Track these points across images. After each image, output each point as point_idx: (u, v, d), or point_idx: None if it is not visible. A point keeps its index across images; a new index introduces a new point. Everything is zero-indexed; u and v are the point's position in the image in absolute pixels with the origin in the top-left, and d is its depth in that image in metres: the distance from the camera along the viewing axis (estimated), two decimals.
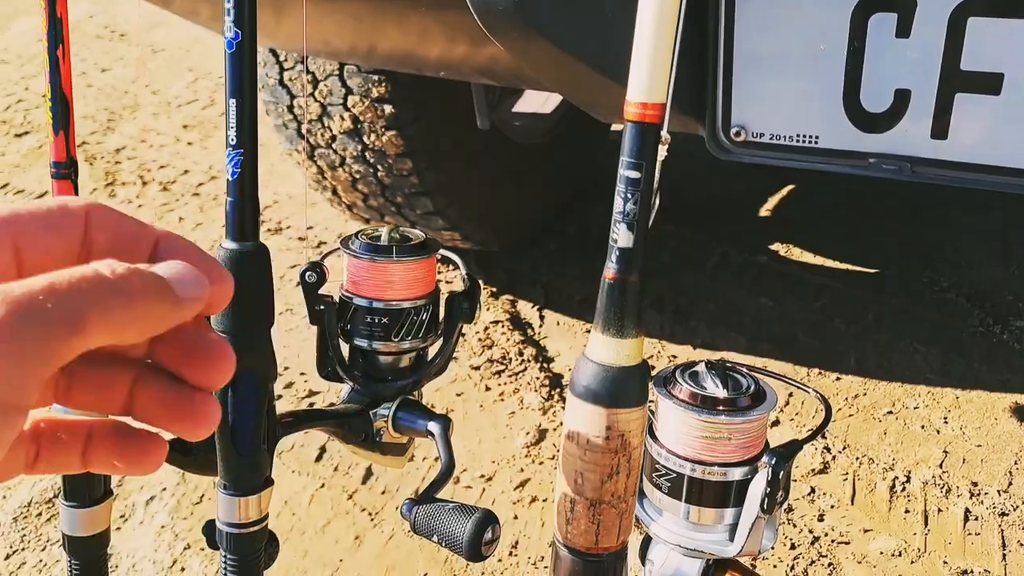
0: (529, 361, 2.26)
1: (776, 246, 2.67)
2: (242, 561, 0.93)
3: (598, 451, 0.68)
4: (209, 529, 1.10)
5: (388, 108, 1.94)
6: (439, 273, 1.20)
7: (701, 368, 0.85)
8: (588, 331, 2.33)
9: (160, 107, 3.83)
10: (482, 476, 1.94)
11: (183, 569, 1.79)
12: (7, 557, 1.84)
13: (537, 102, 2.64)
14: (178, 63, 4.25)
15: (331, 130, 2.04)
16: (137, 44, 4.52)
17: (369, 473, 1.97)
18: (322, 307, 1.02)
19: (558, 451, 1.95)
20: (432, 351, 1.09)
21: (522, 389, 2.18)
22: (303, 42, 1.37)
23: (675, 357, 2.22)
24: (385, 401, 1.06)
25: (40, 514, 1.94)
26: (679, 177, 3.01)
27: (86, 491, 1.06)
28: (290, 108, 2.06)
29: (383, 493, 1.92)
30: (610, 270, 0.69)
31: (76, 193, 0.99)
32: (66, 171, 0.99)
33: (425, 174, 2.08)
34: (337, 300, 1.04)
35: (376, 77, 1.90)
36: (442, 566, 1.74)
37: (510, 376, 2.23)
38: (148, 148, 3.49)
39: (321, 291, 1.02)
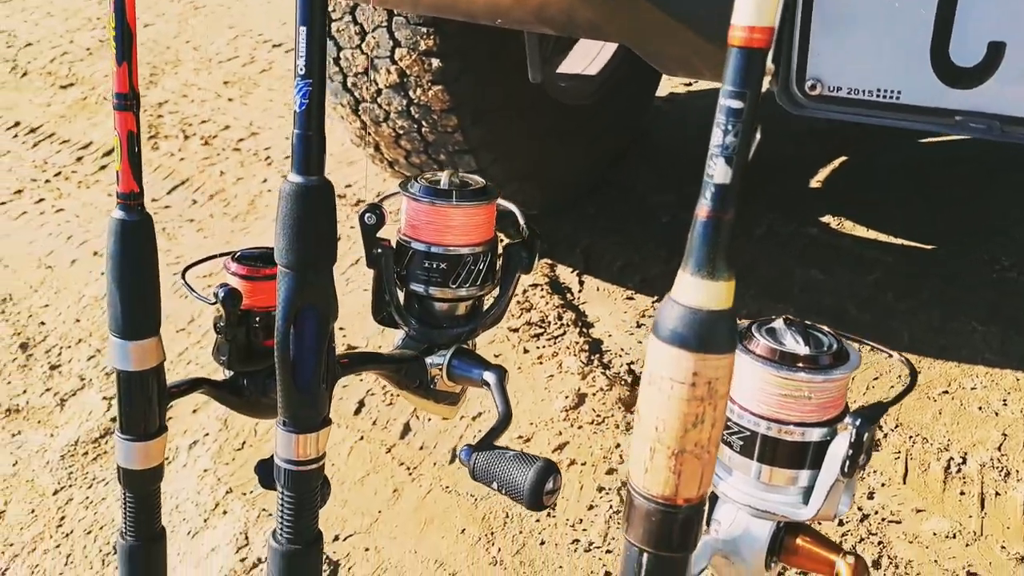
0: (568, 325, 2.24)
1: (827, 218, 2.62)
2: (299, 498, 0.93)
3: (683, 398, 0.65)
4: (261, 469, 1.10)
5: (435, 62, 1.91)
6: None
7: (779, 324, 0.82)
8: (629, 298, 2.31)
9: (201, 63, 3.82)
10: (520, 437, 1.93)
11: (225, 512, 1.80)
12: (55, 493, 1.87)
13: (582, 63, 2.61)
14: (219, 20, 4.24)
15: (376, 84, 2.01)
16: (179, 0, 4.51)
17: (407, 428, 1.96)
18: (379, 251, 1.00)
19: (597, 416, 1.94)
20: (488, 301, 1.08)
21: (560, 353, 2.16)
22: None
23: None
24: (440, 348, 1.04)
25: (86, 453, 1.96)
26: None
27: (142, 424, 1.05)
28: (336, 60, 2.04)
29: (421, 448, 1.92)
30: (704, 207, 0.65)
31: (138, 125, 0.97)
32: (128, 103, 0.97)
33: (470, 130, 2.06)
34: (394, 244, 1.02)
35: (425, 29, 1.88)
36: (480, 523, 1.74)
37: (549, 340, 2.21)
38: (189, 103, 3.48)
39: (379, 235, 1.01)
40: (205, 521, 1.79)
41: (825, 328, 0.81)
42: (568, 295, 2.34)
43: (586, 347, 2.15)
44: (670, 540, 0.68)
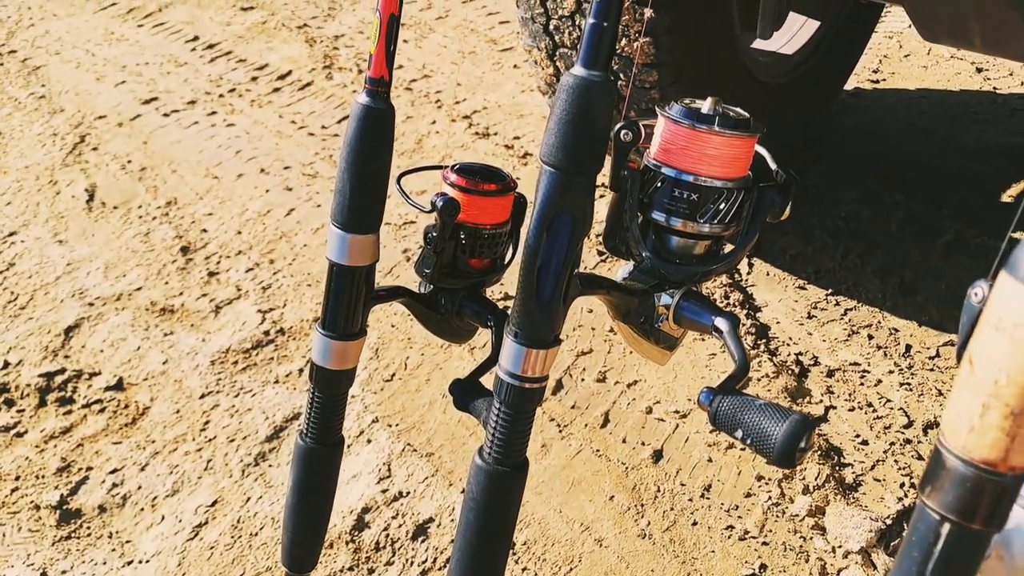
0: (735, 306, 2.14)
1: (1020, 234, 2.45)
2: (517, 417, 0.87)
3: None
4: (457, 388, 1.06)
5: (648, 12, 1.84)
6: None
7: None
8: (800, 287, 2.20)
9: None
10: (676, 412, 1.85)
11: (369, 441, 1.78)
12: (201, 397, 1.87)
13: (780, 41, 2.49)
14: None
15: (580, 29, 1.95)
16: None
17: (560, 385, 1.91)
18: (626, 172, 0.94)
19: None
20: (727, 246, 1.00)
21: None
22: None
23: (896, 330, 2.06)
24: (669, 287, 0.97)
25: (236, 362, 1.97)
26: (914, 151, 2.81)
27: (346, 323, 1.02)
28: (543, 1, 1.99)
29: (573, 408, 1.86)
30: None
31: (400, 7, 0.93)
32: None
33: (668, 89, 1.98)
34: (641, 168, 0.95)
35: None
36: (630, 492, 1.67)
37: None
38: (365, 39, 3.49)
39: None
40: (348, 447, 1.77)
41: None
42: (736, 275, 2.24)
43: (752, 330, 2.05)
44: (983, 511, 0.60)
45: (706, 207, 0.93)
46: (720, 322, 0.94)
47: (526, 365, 0.85)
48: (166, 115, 2.97)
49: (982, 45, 1.17)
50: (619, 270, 1.01)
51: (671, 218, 0.94)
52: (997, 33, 1.13)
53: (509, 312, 0.87)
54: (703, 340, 2.04)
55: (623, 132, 0.91)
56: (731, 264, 1.00)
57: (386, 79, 0.95)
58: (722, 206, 0.93)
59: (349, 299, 1.02)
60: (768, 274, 2.26)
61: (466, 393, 1.05)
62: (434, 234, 1.01)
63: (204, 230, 2.42)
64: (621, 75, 1.97)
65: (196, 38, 3.53)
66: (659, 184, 0.93)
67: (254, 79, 3.21)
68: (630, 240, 0.96)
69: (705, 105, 0.93)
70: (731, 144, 0.92)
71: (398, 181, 1.08)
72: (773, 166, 0.99)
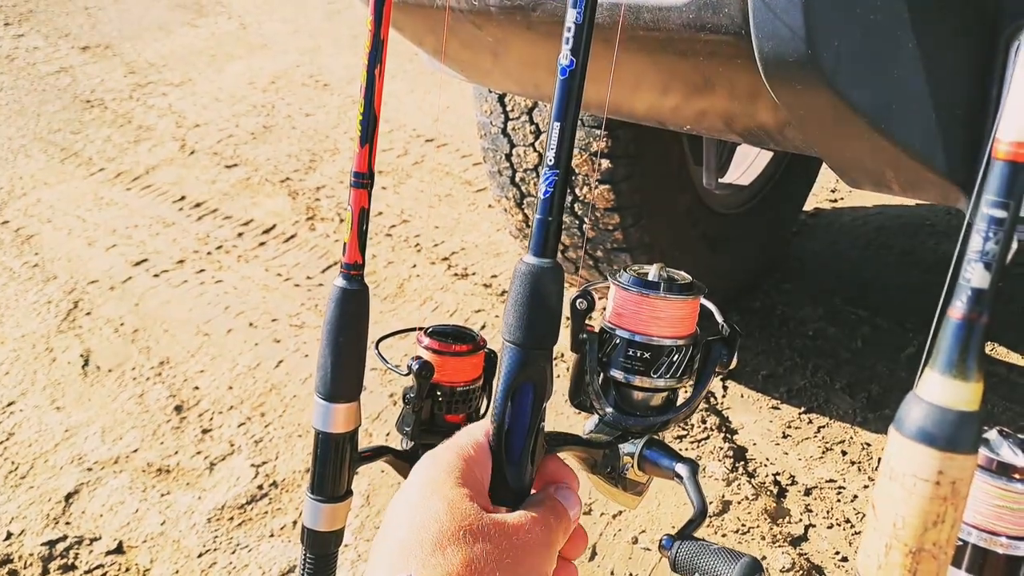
0: (712, 430, 2.22)
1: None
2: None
3: (925, 496, 0.66)
4: None
5: (605, 163, 1.98)
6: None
7: (993, 435, 0.82)
8: (774, 407, 2.28)
9: None
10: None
11: None
12: (200, 555, 1.92)
13: (736, 172, 2.64)
14: None
15: None
16: (339, 94, 4.76)
17: None
18: (584, 336, 1.04)
19: (742, 525, 1.91)
20: (682, 396, 1.09)
21: (704, 457, 2.15)
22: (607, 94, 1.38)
23: (868, 445, 2.14)
24: (632, 437, 1.06)
25: (232, 518, 2.02)
26: (874, 267, 2.94)
27: (332, 486, 1.10)
28: (508, 156, 2.13)
29: None
30: (958, 309, 0.67)
31: (369, 203, 1.05)
32: (365, 182, 1.04)
33: (630, 231, 2.10)
34: (599, 331, 1.05)
35: (598, 132, 1.95)
36: None
37: (692, 443, 2.20)
38: (345, 189, 3.64)
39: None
40: None
41: None
42: (711, 399, 2.33)
43: (730, 453, 2.12)
44: None
45: (659, 363, 1.02)
46: (680, 468, 1.02)
47: None
48: (156, 275, 3.08)
49: (902, 191, 1.30)
50: (585, 424, 1.10)
51: (629, 375, 1.03)
52: (912, 182, 1.26)
53: None
54: None
55: (578, 301, 1.01)
56: (689, 412, 1.09)
57: (359, 263, 1.05)
58: (674, 360, 1.03)
59: (335, 464, 1.10)
60: (742, 396, 2.35)
61: None
62: (411, 395, 1.10)
63: (196, 387, 2.50)
64: (585, 219, 2.10)
65: (183, 198, 3.68)
66: (615, 344, 1.03)
67: (240, 235, 3.34)
68: (592, 397, 1.05)
69: (652, 272, 1.04)
70: (677, 306, 1.02)
71: (376, 346, 1.17)
72: (720, 320, 1.09)
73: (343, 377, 1.07)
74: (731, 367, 1.07)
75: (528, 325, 0.88)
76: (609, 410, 1.06)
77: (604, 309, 1.07)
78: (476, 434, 0.85)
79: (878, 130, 1.08)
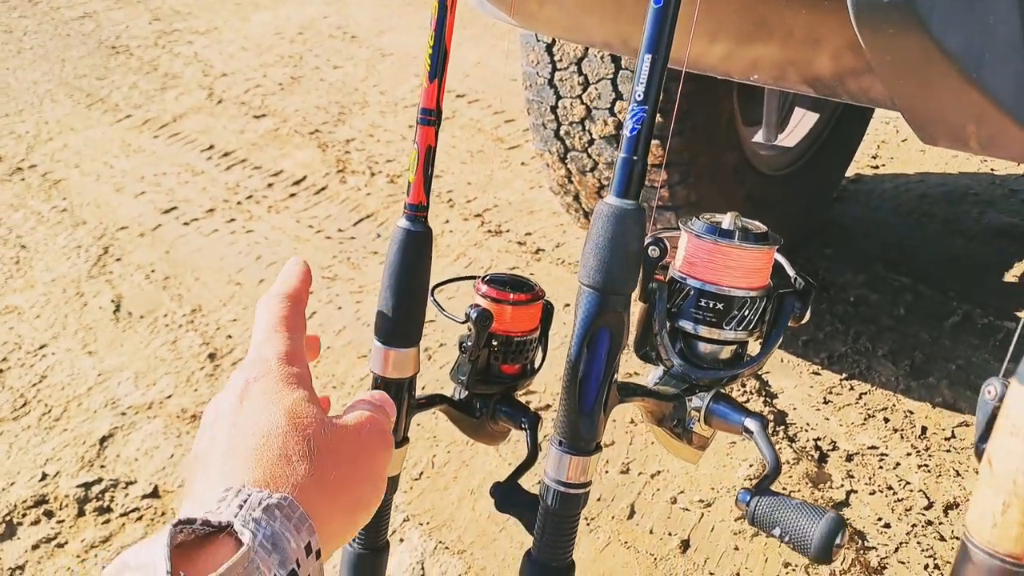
0: (751, 394, 2.19)
1: None
2: (562, 520, 0.92)
3: None
4: (497, 491, 1.10)
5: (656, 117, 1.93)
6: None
7: None
8: (815, 373, 2.25)
9: (387, 106, 3.96)
10: (701, 501, 1.89)
11: (402, 540, 1.81)
12: None
13: (782, 134, 2.59)
14: (405, 68, 4.40)
15: (591, 134, 2.04)
16: (367, 46, 4.70)
17: None
18: (654, 285, 1.00)
19: (783, 489, 1.88)
20: (752, 349, 1.06)
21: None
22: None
23: (911, 412, 2.10)
24: (699, 390, 1.03)
25: None
26: (917, 235, 2.89)
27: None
28: (553, 108, 2.08)
29: (598, 500, 1.89)
30: None
31: (436, 140, 1.01)
32: (432, 118, 1.01)
33: (676, 188, 2.06)
34: (667, 280, 1.02)
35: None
36: None
37: None
38: (376, 143, 3.61)
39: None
40: None
41: None
42: None
43: (771, 417, 2.09)
44: None
45: (730, 315, 0.99)
46: (750, 423, 0.99)
47: (570, 472, 0.90)
48: (186, 224, 3.06)
49: (979, 148, 1.25)
50: (648, 375, 1.07)
51: (698, 326, 1.00)
52: (993, 137, 1.21)
53: (553, 422, 0.92)
54: None
55: (650, 248, 0.98)
56: (757, 367, 1.05)
57: (424, 203, 1.01)
58: (746, 313, 0.99)
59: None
60: (782, 360, 2.31)
61: (506, 496, 1.09)
62: (468, 343, 1.07)
63: (229, 336, 2.48)
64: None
65: (211, 147, 3.65)
66: (686, 294, 0.99)
67: (270, 185, 3.31)
68: (660, 347, 1.02)
69: (726, 220, 1.00)
70: (751, 256, 0.98)
71: (432, 293, 1.14)
72: (792, 273, 1.05)
73: (404, 322, 1.04)
74: (803, 321, 1.04)
75: (608, 269, 0.85)
76: (676, 361, 1.03)
77: (674, 258, 1.04)
78: (274, 348, 0.74)
79: (969, 79, 1.03)
